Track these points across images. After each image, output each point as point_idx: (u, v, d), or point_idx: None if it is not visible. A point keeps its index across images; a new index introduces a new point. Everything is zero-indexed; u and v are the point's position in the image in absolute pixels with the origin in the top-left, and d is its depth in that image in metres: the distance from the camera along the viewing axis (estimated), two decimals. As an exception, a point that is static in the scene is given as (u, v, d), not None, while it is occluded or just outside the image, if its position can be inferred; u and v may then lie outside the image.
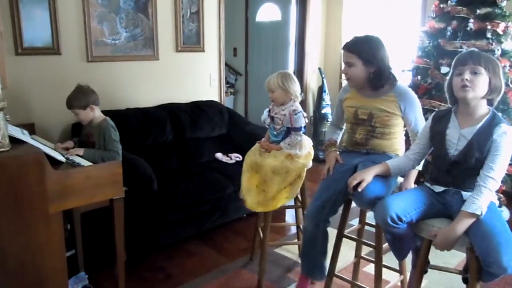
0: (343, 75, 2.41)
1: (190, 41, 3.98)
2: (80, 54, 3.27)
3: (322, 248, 2.30)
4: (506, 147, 1.77)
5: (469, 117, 1.86)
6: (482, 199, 1.73)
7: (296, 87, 2.52)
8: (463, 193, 1.85)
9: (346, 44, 2.23)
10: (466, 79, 1.78)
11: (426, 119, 2.19)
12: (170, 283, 2.69)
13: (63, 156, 2.29)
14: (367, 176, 2.00)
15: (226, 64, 4.79)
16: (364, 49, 2.15)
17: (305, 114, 2.55)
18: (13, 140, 2.00)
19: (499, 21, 3.19)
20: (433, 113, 2.03)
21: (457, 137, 1.86)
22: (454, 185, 1.89)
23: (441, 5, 3.43)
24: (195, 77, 4.10)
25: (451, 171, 1.89)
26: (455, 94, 1.86)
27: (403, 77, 3.58)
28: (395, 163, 2.06)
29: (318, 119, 5.32)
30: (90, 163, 2.30)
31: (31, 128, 2.77)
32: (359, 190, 1.99)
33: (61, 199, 1.99)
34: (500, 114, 3.05)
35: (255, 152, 2.64)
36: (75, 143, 2.69)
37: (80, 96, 2.55)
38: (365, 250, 2.56)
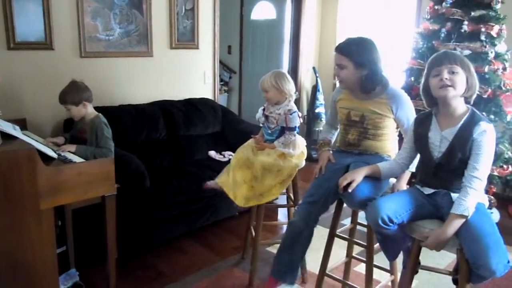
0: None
1: (185, 38, 3.96)
2: (73, 49, 3.24)
3: (302, 250, 2.26)
4: (487, 145, 1.78)
5: (449, 117, 1.87)
6: (469, 199, 1.74)
7: (290, 86, 2.52)
8: (452, 194, 1.86)
9: (338, 46, 2.20)
10: (446, 78, 1.79)
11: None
12: (161, 281, 2.68)
13: (55, 152, 2.28)
14: (357, 177, 2.01)
15: (220, 62, 4.79)
16: (356, 52, 2.13)
17: (300, 114, 2.55)
18: (5, 136, 1.99)
19: (493, 24, 3.21)
20: (415, 117, 2.04)
21: (439, 139, 1.87)
22: (443, 187, 1.90)
23: (436, 7, 3.45)
24: (189, 75, 4.09)
25: (437, 174, 1.90)
26: (434, 94, 1.86)
27: (397, 78, 3.59)
28: (386, 165, 2.07)
29: (311, 118, 5.33)
30: (82, 160, 2.29)
31: (22, 124, 2.75)
32: (349, 190, 1.99)
33: (52, 195, 1.98)
34: (492, 116, 3.12)
35: (247, 148, 2.63)
36: (66, 139, 2.67)
37: (74, 92, 2.53)
38: (357, 249, 2.57)
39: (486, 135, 1.78)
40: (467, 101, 1.88)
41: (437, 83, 1.82)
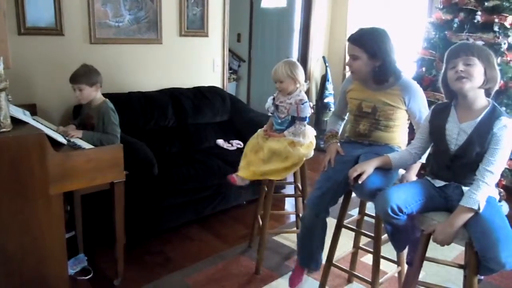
0: (347, 66, 2.37)
1: (194, 25, 3.94)
2: (83, 35, 3.24)
3: (320, 240, 2.29)
4: (506, 141, 1.75)
5: (468, 110, 1.84)
6: (480, 193, 1.72)
7: (302, 74, 2.51)
8: (464, 188, 1.84)
9: (351, 36, 2.17)
10: (461, 70, 1.76)
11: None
12: (169, 267, 2.70)
13: (65, 138, 2.29)
14: (367, 168, 1.99)
15: (229, 50, 4.75)
16: (369, 42, 2.10)
17: (311, 104, 2.54)
18: (15, 121, 1.99)
19: (507, 14, 3.15)
20: (433, 107, 2.01)
21: (456, 132, 1.85)
22: (455, 179, 1.88)
23: (449, -3, 3.39)
24: (198, 62, 4.07)
25: (451, 166, 1.87)
26: (451, 86, 1.84)
27: (408, 69, 3.55)
28: (396, 156, 2.05)
29: (320, 108, 5.29)
30: (92, 146, 2.30)
31: (32, 109, 2.77)
32: (359, 182, 1.98)
33: (62, 181, 2.00)
34: (503, 108, 3.07)
35: (257, 137, 2.64)
36: (76, 126, 2.68)
37: (89, 73, 2.53)
38: (364, 240, 2.56)
39: (506, 130, 1.75)
40: (488, 94, 1.84)
41: (452, 75, 1.80)
